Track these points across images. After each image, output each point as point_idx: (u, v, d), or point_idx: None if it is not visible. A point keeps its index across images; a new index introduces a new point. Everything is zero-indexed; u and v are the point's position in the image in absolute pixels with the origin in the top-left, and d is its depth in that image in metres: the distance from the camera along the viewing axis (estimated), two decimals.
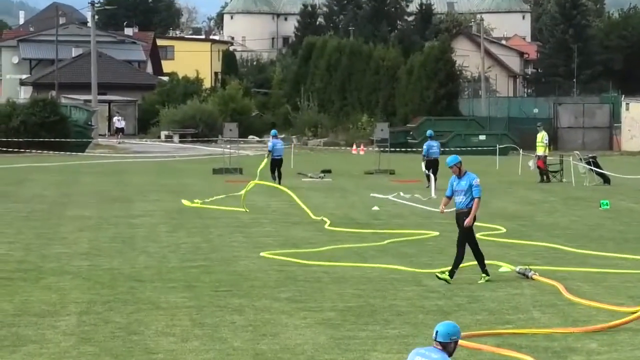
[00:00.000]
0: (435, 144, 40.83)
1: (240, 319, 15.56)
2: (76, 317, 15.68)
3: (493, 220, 28.43)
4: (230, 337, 14.41)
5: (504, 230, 26.46)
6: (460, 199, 18.43)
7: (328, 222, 27.69)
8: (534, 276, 19.16)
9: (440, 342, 9.83)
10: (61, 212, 30.70)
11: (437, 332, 9.92)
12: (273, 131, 43.12)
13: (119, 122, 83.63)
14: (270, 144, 40.58)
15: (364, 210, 31.86)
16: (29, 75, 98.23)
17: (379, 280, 19.01)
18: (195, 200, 32.41)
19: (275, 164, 39.22)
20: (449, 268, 18.53)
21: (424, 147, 41.34)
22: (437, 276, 18.48)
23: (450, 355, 9.70)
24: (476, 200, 18.36)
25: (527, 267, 19.75)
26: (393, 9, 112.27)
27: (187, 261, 21.28)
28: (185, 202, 32.42)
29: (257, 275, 19.33)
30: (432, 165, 39.02)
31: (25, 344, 13.85)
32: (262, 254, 21.97)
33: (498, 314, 16.14)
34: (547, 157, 43.22)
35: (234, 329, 14.89)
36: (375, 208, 31.81)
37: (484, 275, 18.50)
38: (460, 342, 13.55)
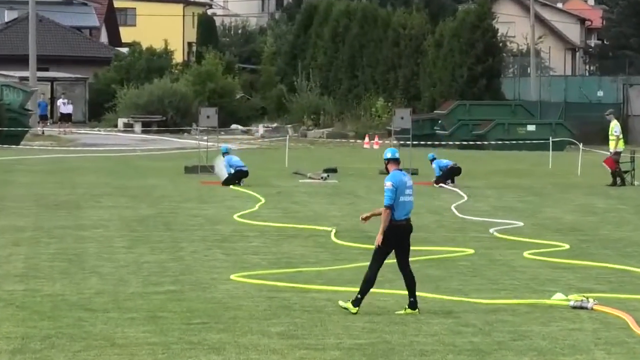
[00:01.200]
0: (444, 162, 43.03)
1: (219, 359, 15.62)
2: (7, 357, 15.63)
3: (543, 234, 28.80)
4: None
5: (567, 246, 26.58)
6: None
7: (334, 230, 27.90)
8: (595, 306, 19.12)
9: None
10: None
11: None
12: (223, 147, 43.26)
13: (64, 107, 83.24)
14: (223, 164, 41.53)
15: (377, 220, 32.17)
16: None
17: (397, 310, 19.13)
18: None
19: (243, 176, 40.72)
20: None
21: (435, 167, 42.66)
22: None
23: None
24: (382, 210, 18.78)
25: (583, 297, 19.71)
26: None
27: (150, 285, 21.28)
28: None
29: (242, 304, 19.29)
30: (454, 173, 41.54)
31: None
32: (232, 276, 21.86)
33: (550, 354, 16.08)
34: (621, 154, 42.86)
35: None
36: None
37: (348, 304, 18.18)
38: None
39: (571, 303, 19.52)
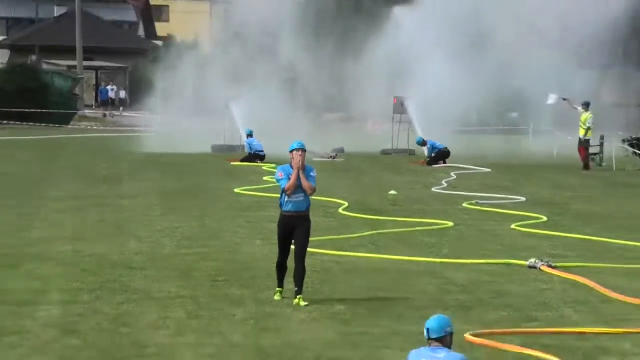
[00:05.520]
0: (437, 144, 43.22)
1: (241, 311, 15.69)
2: (59, 307, 15.87)
3: (523, 207, 28.66)
4: (228, 331, 14.58)
5: (545, 218, 26.55)
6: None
7: (346, 204, 27.90)
8: (542, 267, 19.35)
9: (435, 339, 10.12)
10: (42, 192, 30.84)
11: (428, 329, 10.21)
12: (247, 129, 43.38)
13: (113, 93, 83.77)
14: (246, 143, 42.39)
15: (381, 195, 31.91)
16: (5, 37, 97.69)
17: (394, 272, 19.20)
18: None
19: (259, 158, 41.07)
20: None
21: (428, 146, 43.00)
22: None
23: (450, 348, 10.11)
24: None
25: (537, 259, 19.82)
26: None
27: (182, 247, 21.41)
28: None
29: (261, 264, 19.40)
30: (444, 155, 41.68)
31: (4, 335, 14.05)
32: (257, 241, 22.17)
33: (524, 310, 16.29)
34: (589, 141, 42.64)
35: (233, 322, 15.05)
36: (393, 192, 32.08)
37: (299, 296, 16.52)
38: (477, 340, 14.08)
39: (528, 263, 19.72)
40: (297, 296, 16.27)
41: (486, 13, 47.64)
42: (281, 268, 16.50)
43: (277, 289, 16.52)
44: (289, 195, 16.11)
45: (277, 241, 16.59)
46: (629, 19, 47.75)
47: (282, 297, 16.34)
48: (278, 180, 16.45)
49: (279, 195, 16.48)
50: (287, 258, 16.50)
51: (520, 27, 46.36)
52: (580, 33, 45.12)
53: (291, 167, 16.20)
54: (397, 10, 52.89)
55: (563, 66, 46.10)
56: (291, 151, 16.23)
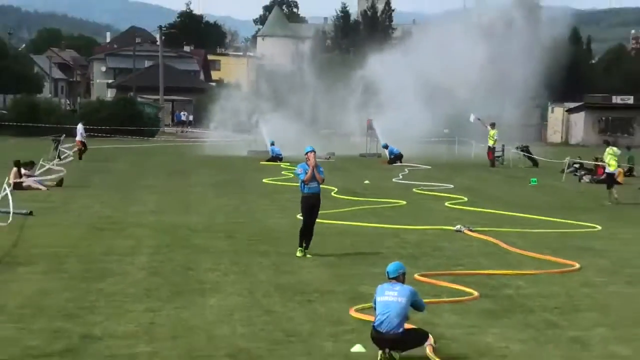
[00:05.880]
0: (395, 149, 42.40)
1: (266, 260, 15.63)
2: (147, 257, 15.79)
3: (453, 192, 28.59)
4: (258, 273, 14.49)
5: (466, 199, 26.35)
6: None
7: (336, 189, 27.30)
8: (466, 231, 19.25)
9: (393, 278, 10.16)
10: (137, 182, 30.73)
11: (388, 272, 10.26)
12: (270, 140, 43.04)
13: (184, 117, 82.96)
14: (270, 149, 42.08)
15: (359, 183, 31.73)
16: (114, 80, 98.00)
17: (368, 235, 19.09)
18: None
19: (279, 160, 40.67)
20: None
21: (388, 151, 42.11)
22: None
23: (403, 283, 10.16)
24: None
25: (461, 225, 19.72)
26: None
27: (229, 218, 21.32)
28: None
29: (281, 230, 19.34)
30: (400, 157, 41.13)
31: (111, 275, 14.05)
32: (277, 215, 22.00)
33: (453, 259, 16.24)
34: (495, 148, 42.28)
35: (261, 268, 14.95)
36: (367, 182, 31.74)
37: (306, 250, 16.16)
38: (423, 278, 13.92)
39: (455, 228, 19.57)
40: (305, 251, 16.18)
41: (432, 64, 46.73)
42: (304, 234, 16.21)
43: (299, 248, 16.13)
44: (307, 184, 15.99)
45: (294, 215, 16.60)
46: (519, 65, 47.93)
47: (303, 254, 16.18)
48: (298, 175, 16.30)
49: (296, 184, 16.45)
50: (310, 225, 16.28)
51: (451, 73, 46.77)
52: (493, 77, 45.61)
53: (307, 164, 16.03)
54: (372, 60, 52.19)
55: (485, 99, 45.15)
56: (307, 153, 16.17)
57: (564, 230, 20.39)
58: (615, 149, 26.44)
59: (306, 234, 16.30)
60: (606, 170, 26.47)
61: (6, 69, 61.06)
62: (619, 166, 27.84)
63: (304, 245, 16.24)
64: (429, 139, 50.41)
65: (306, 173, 16.12)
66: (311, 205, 16.20)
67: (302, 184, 16.28)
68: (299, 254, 16.10)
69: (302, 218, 16.49)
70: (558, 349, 10.44)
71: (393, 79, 47.52)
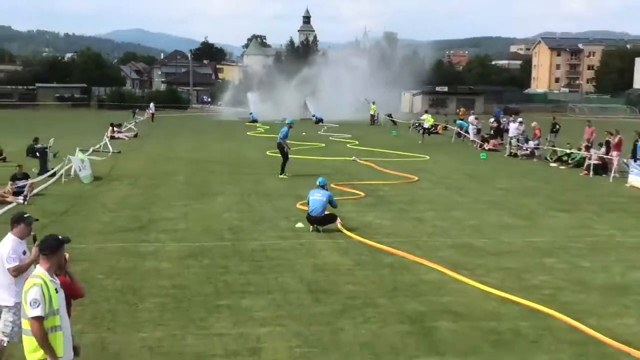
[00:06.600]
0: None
1: (249, 177, 20.30)
2: (183, 176, 20.66)
3: (353, 139, 32.43)
4: (244, 184, 18.90)
5: (358, 142, 29.90)
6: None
7: (304, 133, 30.11)
8: (358, 160, 24.23)
9: (321, 186, 13.52)
10: (175, 139, 36.70)
11: (318, 182, 13.59)
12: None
13: (205, 99, 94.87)
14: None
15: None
16: (165, 79, 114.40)
17: (308, 164, 23.77)
18: None
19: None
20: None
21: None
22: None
23: (326, 190, 12.67)
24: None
25: (356, 157, 23.52)
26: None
27: (227, 154, 26.30)
28: None
29: (257, 160, 24.31)
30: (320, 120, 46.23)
31: (163, 186, 18.22)
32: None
33: (352, 175, 21.04)
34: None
35: (246, 181, 19.57)
36: (304, 133, 36.14)
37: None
38: (336, 186, 17.18)
39: (352, 158, 22.94)
40: (283, 174, 18.56)
41: (340, 70, 63.08)
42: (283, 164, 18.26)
43: (281, 175, 18.56)
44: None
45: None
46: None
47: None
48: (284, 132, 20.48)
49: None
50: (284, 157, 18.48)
51: (351, 75, 63.18)
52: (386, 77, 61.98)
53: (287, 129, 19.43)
54: (306, 68, 68.35)
55: (372, 89, 58.68)
56: (288, 123, 20.20)
57: (409, 159, 25.13)
58: (429, 116, 37.02)
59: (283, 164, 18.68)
60: (424, 125, 36.41)
61: (105, 74, 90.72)
62: (437, 124, 39.73)
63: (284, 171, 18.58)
64: (345, 110, 56.39)
65: (286, 136, 18.93)
66: (282, 147, 19.47)
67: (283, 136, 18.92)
68: (280, 176, 18.56)
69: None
70: (407, 222, 13.72)
71: (320, 78, 61.61)
